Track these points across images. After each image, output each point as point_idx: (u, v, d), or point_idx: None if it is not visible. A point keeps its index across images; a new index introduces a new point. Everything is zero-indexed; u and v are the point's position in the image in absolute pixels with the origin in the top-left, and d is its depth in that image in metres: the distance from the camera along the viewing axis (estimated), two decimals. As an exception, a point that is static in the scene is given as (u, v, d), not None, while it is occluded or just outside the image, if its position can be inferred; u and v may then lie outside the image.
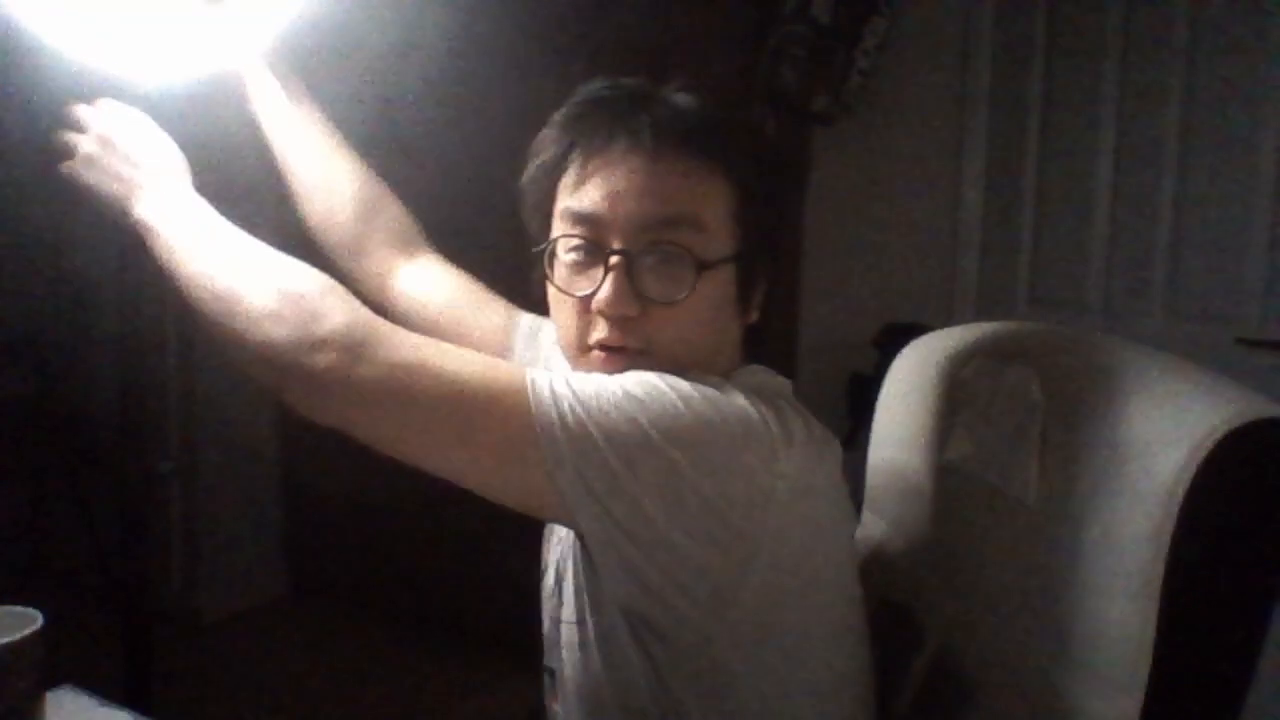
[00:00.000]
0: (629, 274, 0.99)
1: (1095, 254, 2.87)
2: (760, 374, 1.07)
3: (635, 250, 1.00)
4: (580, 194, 1.02)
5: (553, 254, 1.04)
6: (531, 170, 1.08)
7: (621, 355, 1.01)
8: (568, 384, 0.94)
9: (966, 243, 3.09)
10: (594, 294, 1.00)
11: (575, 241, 1.02)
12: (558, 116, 1.08)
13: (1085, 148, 2.86)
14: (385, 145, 3.05)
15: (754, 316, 1.09)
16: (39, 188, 3.30)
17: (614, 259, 1.00)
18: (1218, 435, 0.91)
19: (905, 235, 3.16)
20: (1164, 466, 0.93)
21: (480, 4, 2.82)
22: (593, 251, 1.01)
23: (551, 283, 1.05)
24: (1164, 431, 0.95)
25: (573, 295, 1.02)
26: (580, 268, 1.02)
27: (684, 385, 0.96)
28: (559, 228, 1.04)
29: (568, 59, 2.83)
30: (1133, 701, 0.93)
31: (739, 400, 0.97)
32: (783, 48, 3.06)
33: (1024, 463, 1.07)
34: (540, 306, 1.13)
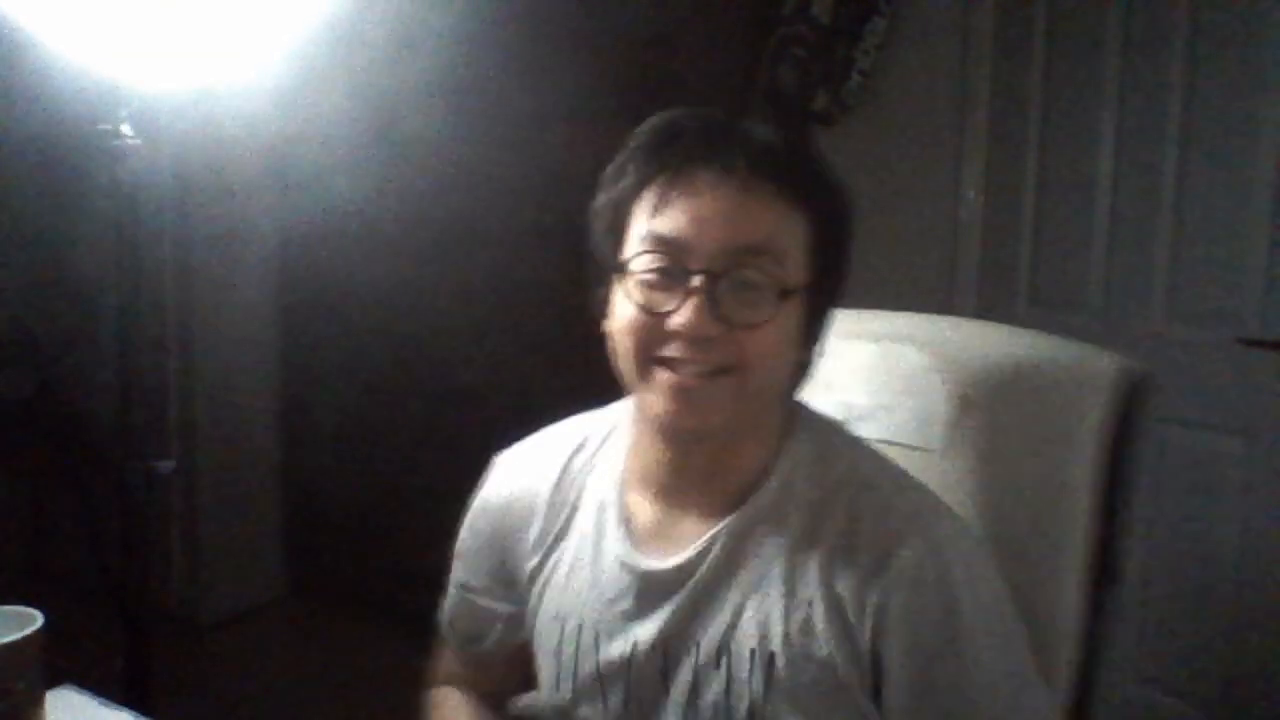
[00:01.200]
0: (710, 296, 1.00)
1: (1095, 254, 2.87)
2: (831, 424, 1.15)
3: (717, 273, 1.00)
4: (663, 217, 1.02)
5: (628, 272, 1.04)
6: (607, 194, 1.08)
7: (700, 378, 1.01)
8: None
9: (966, 243, 3.09)
10: (673, 313, 1.00)
11: (655, 262, 1.02)
12: (638, 142, 1.08)
13: (1086, 147, 2.86)
14: (387, 142, 3.07)
15: (814, 349, 1.11)
16: (39, 188, 3.32)
17: (696, 280, 1.00)
18: (1112, 388, 1.19)
19: (905, 235, 3.15)
20: (1076, 426, 1.20)
21: (481, 4, 2.82)
22: (673, 273, 1.01)
23: (628, 299, 1.04)
24: (1066, 397, 1.22)
25: (652, 312, 1.02)
26: (657, 287, 1.02)
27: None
28: (636, 247, 1.04)
29: (569, 58, 2.83)
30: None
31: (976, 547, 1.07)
32: (783, 47, 3.06)
33: (932, 420, 1.27)
34: (589, 328, 1.12)
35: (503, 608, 1.24)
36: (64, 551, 3.44)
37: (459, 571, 1.28)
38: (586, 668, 1.12)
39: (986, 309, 3.06)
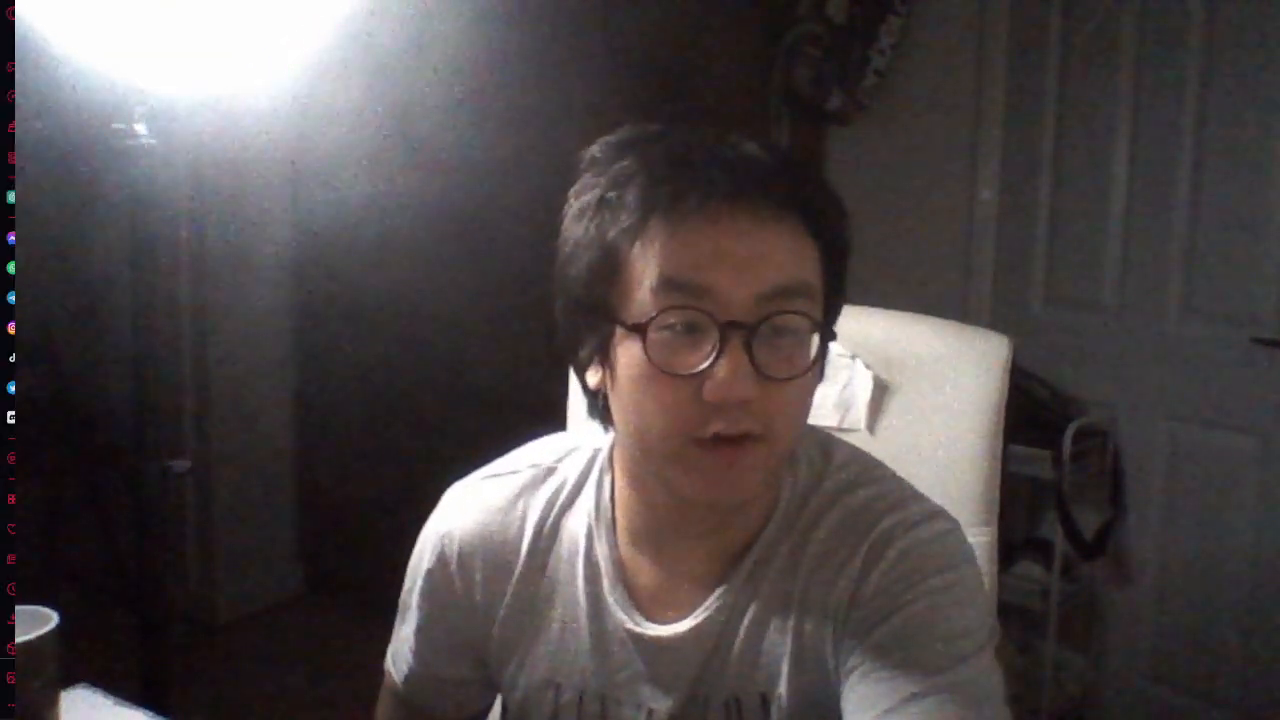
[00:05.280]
0: (748, 351, 0.86)
1: (1111, 254, 2.86)
2: (824, 440, 1.04)
3: (752, 323, 0.86)
4: (678, 259, 0.87)
5: (644, 329, 0.87)
6: (593, 225, 0.92)
7: (741, 446, 0.88)
8: None
9: (981, 243, 3.08)
10: (707, 371, 0.86)
11: (675, 316, 0.87)
12: (620, 168, 0.92)
13: (1101, 147, 2.85)
14: (401, 143, 3.07)
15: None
16: (54, 188, 3.33)
17: (732, 334, 0.85)
18: (1004, 365, 1.31)
19: (920, 235, 3.15)
20: (979, 401, 1.31)
21: (493, 6, 2.82)
22: (699, 326, 0.87)
23: (644, 360, 0.88)
24: (968, 371, 1.33)
25: (681, 374, 0.87)
26: (682, 345, 0.87)
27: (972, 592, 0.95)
28: (653, 300, 0.87)
29: (584, 59, 2.83)
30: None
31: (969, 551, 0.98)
32: (798, 47, 3.06)
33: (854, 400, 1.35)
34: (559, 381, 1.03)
35: (467, 667, 1.12)
36: (79, 551, 3.45)
37: (414, 620, 1.12)
38: None
39: (1002, 308, 3.05)
